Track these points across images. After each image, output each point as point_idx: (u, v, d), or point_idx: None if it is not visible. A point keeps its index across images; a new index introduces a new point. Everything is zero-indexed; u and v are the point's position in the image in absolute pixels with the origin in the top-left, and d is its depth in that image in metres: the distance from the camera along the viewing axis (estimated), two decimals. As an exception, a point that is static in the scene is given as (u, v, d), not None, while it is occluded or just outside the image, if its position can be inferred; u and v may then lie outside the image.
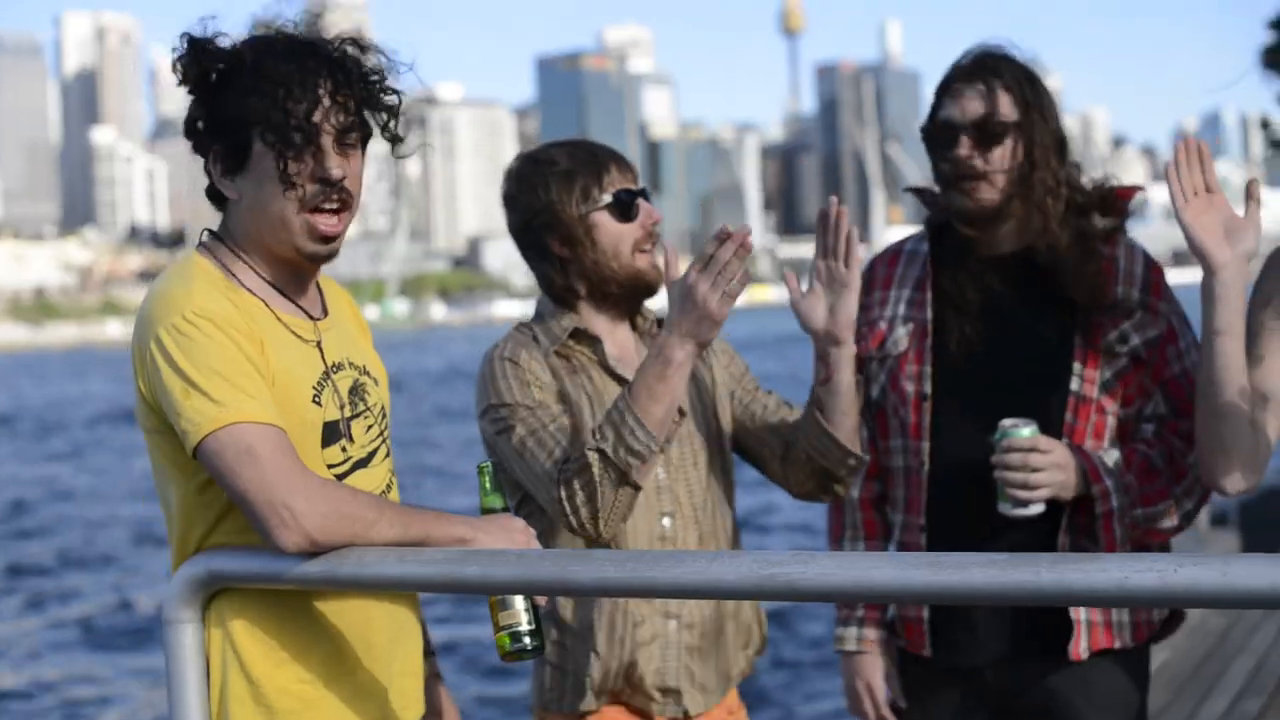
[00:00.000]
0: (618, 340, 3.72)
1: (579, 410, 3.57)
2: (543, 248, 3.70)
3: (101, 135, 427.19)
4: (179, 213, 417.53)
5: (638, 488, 3.29)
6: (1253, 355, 3.40)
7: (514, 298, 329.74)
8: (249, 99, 2.87)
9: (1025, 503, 3.53)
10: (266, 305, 2.96)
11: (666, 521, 3.60)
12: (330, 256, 2.99)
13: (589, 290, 3.67)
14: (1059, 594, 2.33)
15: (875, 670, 3.92)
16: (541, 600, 3.03)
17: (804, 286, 3.42)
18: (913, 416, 3.72)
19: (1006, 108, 3.61)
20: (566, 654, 3.64)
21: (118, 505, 33.65)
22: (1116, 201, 3.69)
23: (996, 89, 3.62)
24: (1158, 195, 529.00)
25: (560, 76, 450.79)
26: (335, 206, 2.94)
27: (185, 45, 2.93)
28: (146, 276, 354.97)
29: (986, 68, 3.66)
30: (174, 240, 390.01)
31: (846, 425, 3.47)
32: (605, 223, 3.62)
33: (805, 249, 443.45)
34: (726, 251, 3.14)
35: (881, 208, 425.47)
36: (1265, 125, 35.89)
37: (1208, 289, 3.27)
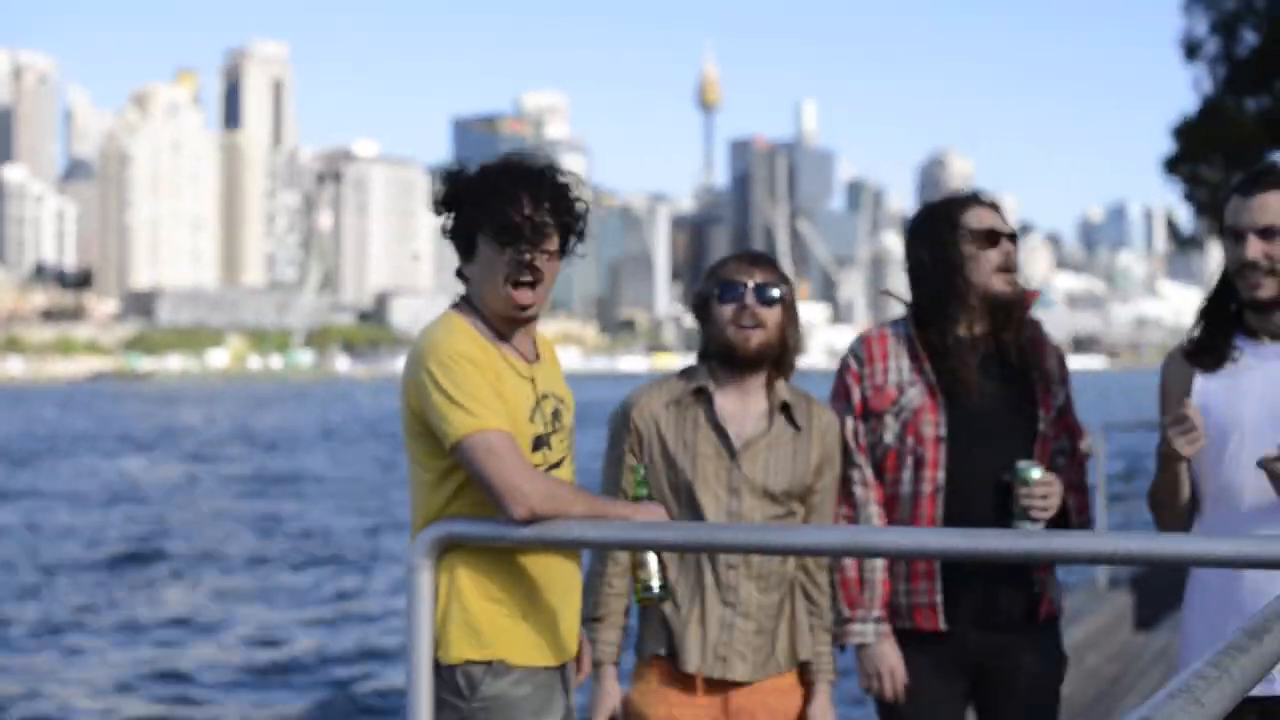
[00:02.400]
0: (731, 399, 4.86)
1: (674, 453, 4.83)
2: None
3: (12, 173, 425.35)
4: (86, 253, 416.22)
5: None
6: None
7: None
8: (474, 209, 4.15)
9: (1039, 521, 4.61)
10: (499, 350, 4.13)
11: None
12: (530, 319, 4.21)
13: (712, 354, 4.90)
14: (1044, 554, 3.84)
15: (894, 655, 4.84)
16: (668, 561, 4.29)
17: None
18: (931, 453, 4.75)
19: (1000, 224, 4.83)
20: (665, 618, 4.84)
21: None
22: (1027, 299, 4.89)
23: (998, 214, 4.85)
24: (1061, 283, 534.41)
25: (476, 138, 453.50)
26: (530, 281, 4.13)
27: (438, 175, 4.26)
28: (51, 316, 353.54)
29: (992, 200, 4.90)
30: (80, 280, 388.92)
31: None
32: (714, 305, 4.83)
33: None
34: None
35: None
36: (1171, 224, 38.57)
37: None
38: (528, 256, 4.10)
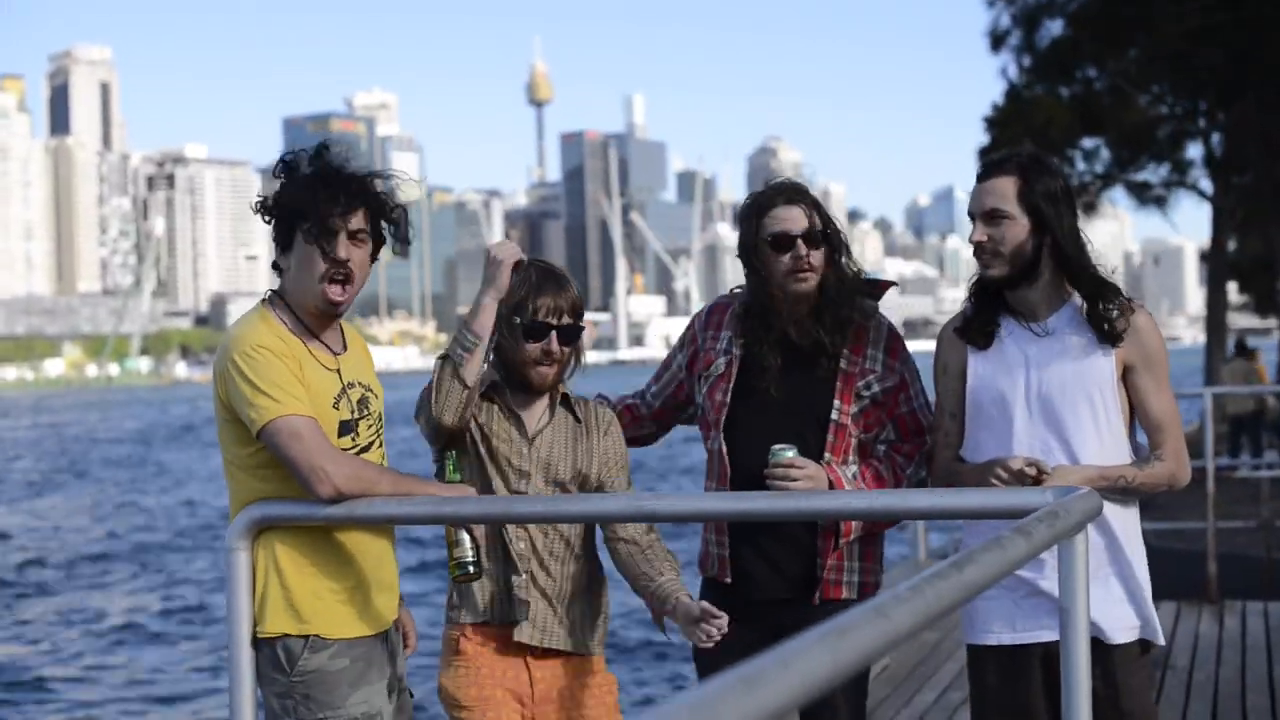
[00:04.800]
0: (518, 397, 4.97)
1: (483, 421, 4.93)
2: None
3: None
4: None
5: (465, 384, 4.65)
6: (945, 413, 4.84)
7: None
8: (293, 206, 4.31)
9: None
10: (303, 343, 4.33)
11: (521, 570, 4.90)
12: (339, 315, 4.42)
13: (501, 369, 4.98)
14: (786, 512, 4.31)
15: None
16: (481, 540, 4.62)
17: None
18: (714, 415, 5.03)
19: (818, 220, 4.95)
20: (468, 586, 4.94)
21: None
22: (876, 290, 5.05)
23: (811, 209, 4.96)
24: (891, 268, 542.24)
25: (308, 138, 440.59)
26: (342, 279, 4.32)
27: (275, 171, 4.41)
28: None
29: (797, 191, 5.02)
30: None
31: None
32: (519, 338, 4.85)
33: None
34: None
35: (624, 276, 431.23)
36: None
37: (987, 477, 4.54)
38: (342, 255, 4.30)
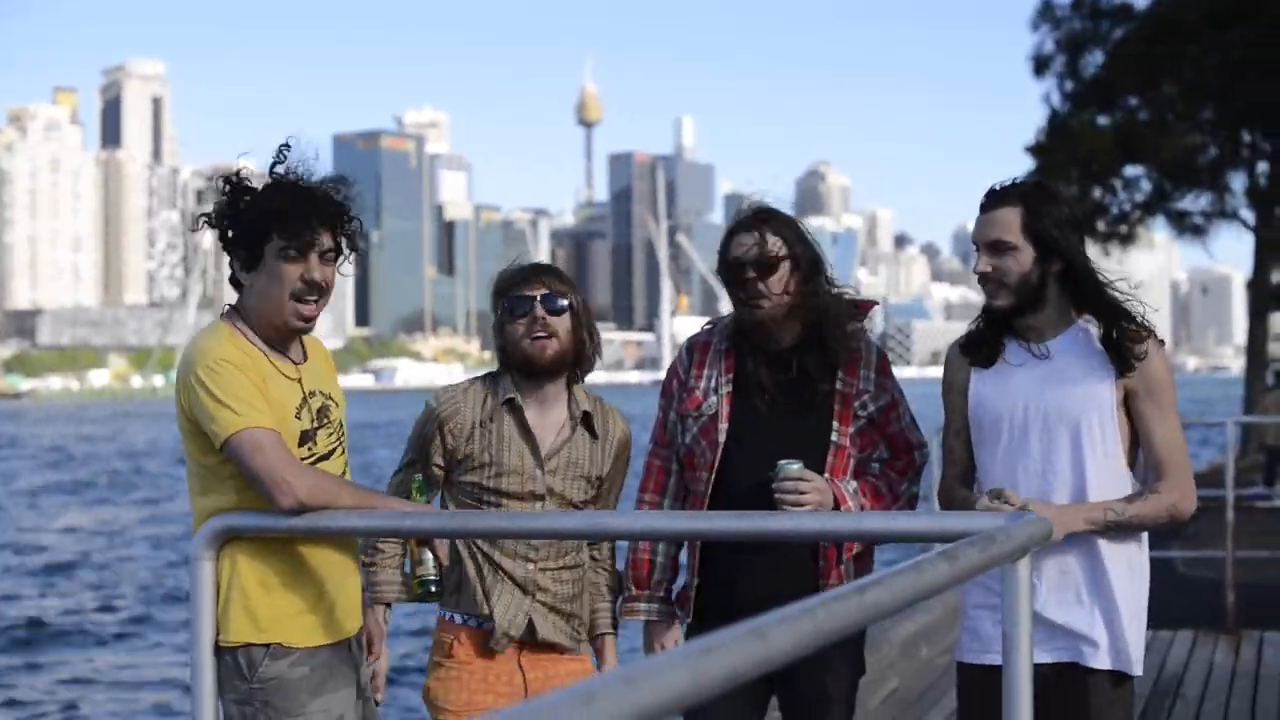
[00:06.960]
0: (533, 410, 5.03)
1: (480, 466, 4.98)
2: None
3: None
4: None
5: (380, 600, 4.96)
6: (951, 430, 4.87)
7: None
8: (263, 223, 4.28)
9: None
10: (265, 355, 4.34)
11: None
12: (308, 330, 4.41)
13: (508, 364, 5.07)
14: (760, 533, 4.09)
15: (672, 634, 5.13)
16: (444, 559, 4.63)
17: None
18: (711, 455, 4.93)
19: (776, 246, 4.84)
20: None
21: None
22: (860, 310, 5.00)
23: (767, 233, 4.85)
24: (938, 293, 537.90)
25: (357, 155, 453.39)
26: (314, 298, 4.33)
27: (223, 182, 4.36)
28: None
29: (758, 217, 4.92)
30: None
31: None
32: (506, 321, 5.03)
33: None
34: None
35: (669, 298, 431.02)
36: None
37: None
38: (317, 276, 4.32)
